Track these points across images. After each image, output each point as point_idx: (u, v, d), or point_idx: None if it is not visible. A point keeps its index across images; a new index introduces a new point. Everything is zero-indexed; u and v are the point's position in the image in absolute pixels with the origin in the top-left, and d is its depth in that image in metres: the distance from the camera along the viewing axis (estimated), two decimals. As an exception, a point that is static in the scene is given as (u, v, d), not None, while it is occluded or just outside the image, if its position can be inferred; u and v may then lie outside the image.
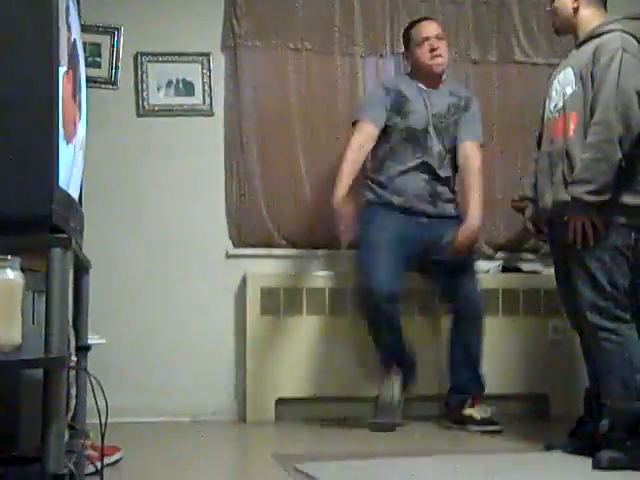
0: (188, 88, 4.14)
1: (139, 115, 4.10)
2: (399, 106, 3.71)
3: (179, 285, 4.04)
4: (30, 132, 1.61)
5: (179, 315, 4.02)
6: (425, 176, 3.71)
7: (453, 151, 3.77)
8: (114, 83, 4.08)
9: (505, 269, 4.16)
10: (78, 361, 2.00)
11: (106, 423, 1.92)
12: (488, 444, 3.40)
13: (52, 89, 1.63)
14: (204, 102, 4.14)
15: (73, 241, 1.67)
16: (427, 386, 3.88)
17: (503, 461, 3.02)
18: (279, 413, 3.92)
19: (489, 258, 4.21)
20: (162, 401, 3.92)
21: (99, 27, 4.02)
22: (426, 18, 3.90)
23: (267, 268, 4.00)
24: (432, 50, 3.70)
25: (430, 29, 3.76)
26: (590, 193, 2.89)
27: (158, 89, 4.11)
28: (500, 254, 4.26)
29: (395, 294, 3.61)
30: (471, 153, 3.75)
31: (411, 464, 2.97)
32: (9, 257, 1.61)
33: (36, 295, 1.83)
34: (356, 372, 3.91)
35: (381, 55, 4.22)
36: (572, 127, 3.00)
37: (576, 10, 3.12)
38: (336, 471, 2.81)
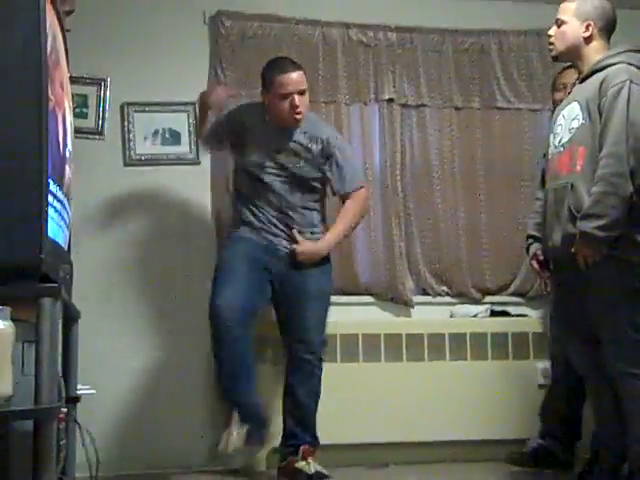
0: (174, 137, 4.17)
1: (126, 164, 4.10)
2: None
3: (166, 336, 4.00)
4: (19, 180, 1.61)
5: (166, 364, 3.99)
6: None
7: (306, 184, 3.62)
8: (101, 133, 4.10)
9: (493, 313, 4.13)
10: (68, 412, 1.98)
11: (96, 476, 1.89)
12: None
13: (41, 136, 1.63)
14: (190, 151, 4.16)
15: (62, 290, 1.66)
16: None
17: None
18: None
19: (477, 302, 4.20)
20: (149, 452, 3.84)
21: (86, 78, 4.04)
22: (293, 65, 3.56)
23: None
24: (293, 107, 3.50)
25: (292, 84, 3.49)
26: (600, 228, 2.78)
27: (145, 138, 4.14)
28: (488, 298, 4.24)
29: (241, 310, 3.37)
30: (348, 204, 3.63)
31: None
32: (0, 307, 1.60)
33: (25, 345, 1.82)
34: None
35: (365, 103, 4.25)
36: (580, 162, 2.91)
37: (587, 40, 3.03)
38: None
